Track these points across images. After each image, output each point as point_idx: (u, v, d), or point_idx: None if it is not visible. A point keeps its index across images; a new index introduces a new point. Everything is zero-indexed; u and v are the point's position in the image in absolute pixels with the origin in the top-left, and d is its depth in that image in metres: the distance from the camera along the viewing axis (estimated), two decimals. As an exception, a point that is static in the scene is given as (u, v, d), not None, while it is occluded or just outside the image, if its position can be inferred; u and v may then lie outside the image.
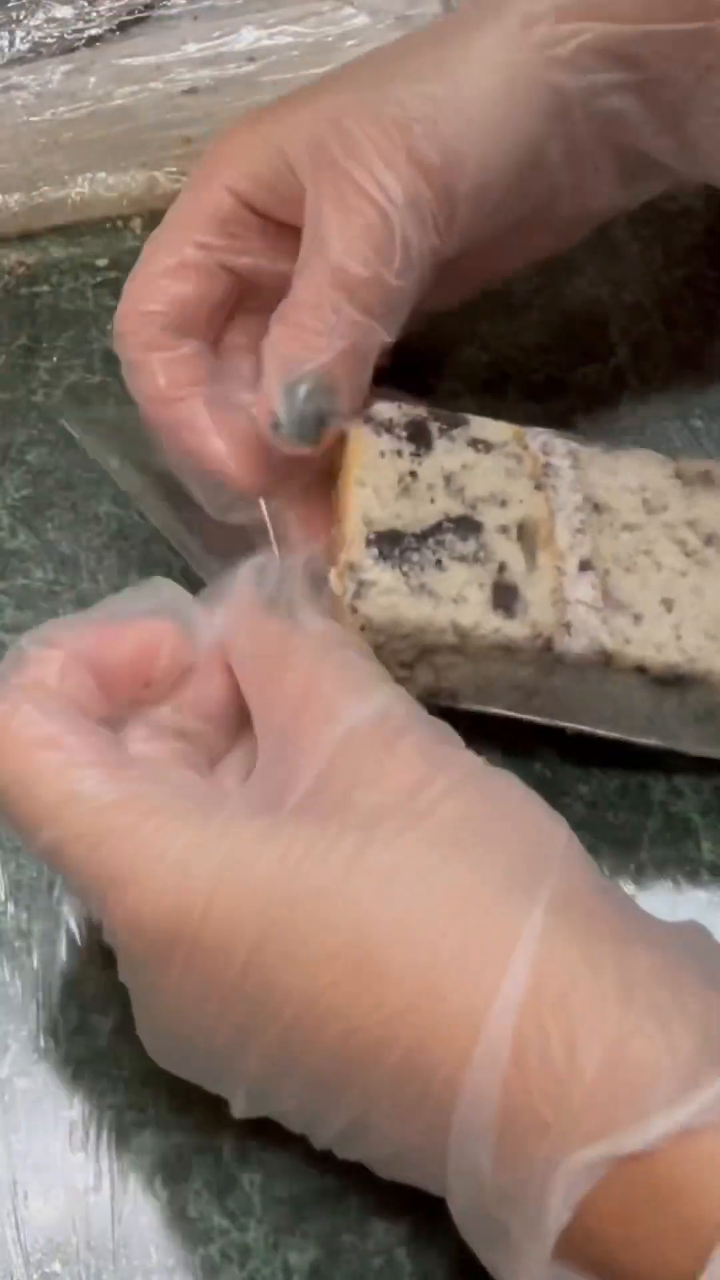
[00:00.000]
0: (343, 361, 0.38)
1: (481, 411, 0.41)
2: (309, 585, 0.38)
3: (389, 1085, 0.30)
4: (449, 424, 0.40)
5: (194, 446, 0.40)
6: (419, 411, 0.40)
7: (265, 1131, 0.35)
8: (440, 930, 0.30)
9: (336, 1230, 0.35)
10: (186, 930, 0.31)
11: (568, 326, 0.49)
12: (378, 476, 0.39)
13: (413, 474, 0.39)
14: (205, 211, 0.40)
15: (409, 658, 0.38)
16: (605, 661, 0.38)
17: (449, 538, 0.38)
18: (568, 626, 0.38)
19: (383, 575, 0.37)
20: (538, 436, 0.41)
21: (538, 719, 0.40)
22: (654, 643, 0.38)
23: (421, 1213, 0.35)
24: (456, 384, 0.47)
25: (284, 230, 0.40)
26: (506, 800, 0.33)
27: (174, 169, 0.51)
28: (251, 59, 0.53)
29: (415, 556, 0.38)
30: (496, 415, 0.45)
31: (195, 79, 0.52)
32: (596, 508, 0.40)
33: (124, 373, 0.41)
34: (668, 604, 0.39)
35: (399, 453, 0.39)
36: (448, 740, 0.35)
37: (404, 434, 0.40)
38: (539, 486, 0.40)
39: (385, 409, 0.40)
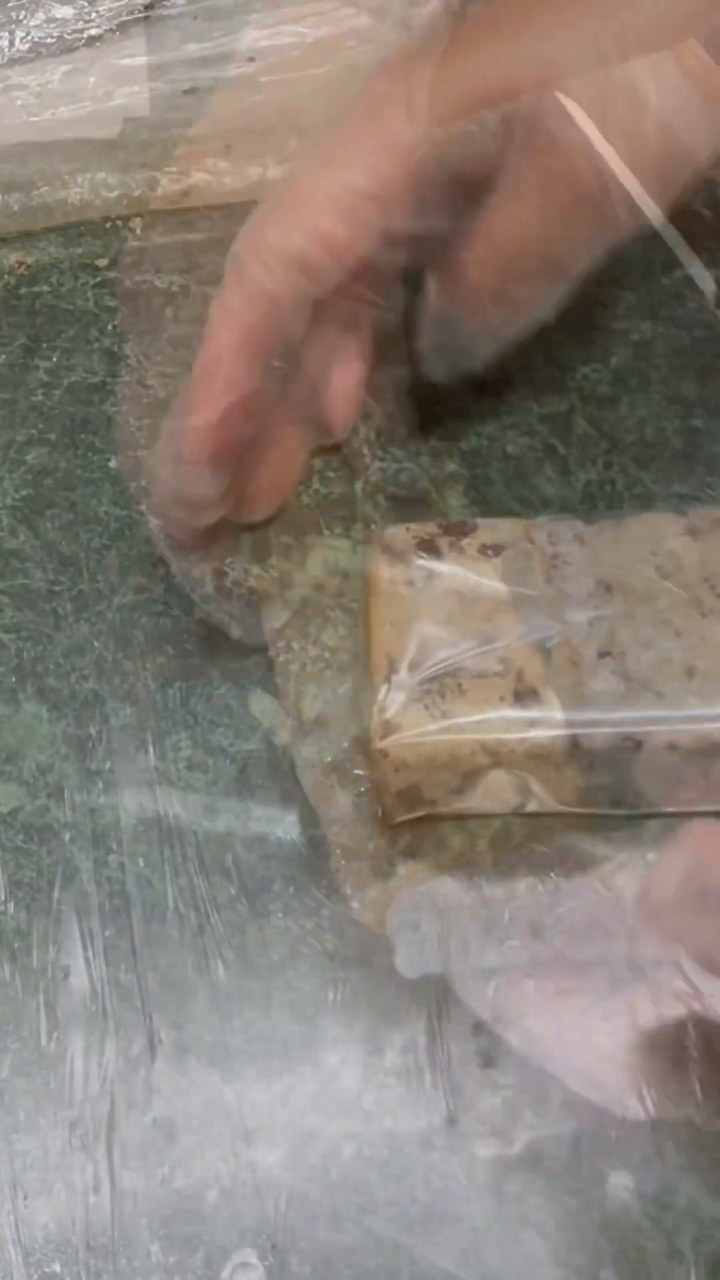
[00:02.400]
0: None
1: (481, 412, 0.40)
2: None
3: None
4: (458, 534, 0.40)
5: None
6: (428, 530, 0.41)
7: (265, 1132, 0.35)
8: None
9: (336, 1231, 0.36)
10: None
11: (568, 326, 0.48)
12: (395, 610, 0.39)
13: (429, 599, 0.39)
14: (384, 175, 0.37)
15: (456, 784, 0.38)
16: (636, 747, 0.37)
17: (468, 660, 0.38)
18: (592, 721, 0.37)
19: (406, 716, 0.38)
20: (543, 528, 0.41)
21: (611, 811, 0.39)
22: (681, 717, 0.37)
23: (422, 1213, 0.35)
24: (456, 384, 0.47)
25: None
26: None
27: (174, 169, 0.51)
28: (251, 59, 0.53)
29: (436, 686, 0.38)
30: (496, 416, 0.45)
31: (195, 79, 0.52)
32: (609, 589, 0.39)
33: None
34: (690, 671, 0.38)
35: (411, 581, 0.39)
36: None
37: (416, 558, 0.40)
38: (549, 580, 0.39)
39: (396, 535, 0.40)
